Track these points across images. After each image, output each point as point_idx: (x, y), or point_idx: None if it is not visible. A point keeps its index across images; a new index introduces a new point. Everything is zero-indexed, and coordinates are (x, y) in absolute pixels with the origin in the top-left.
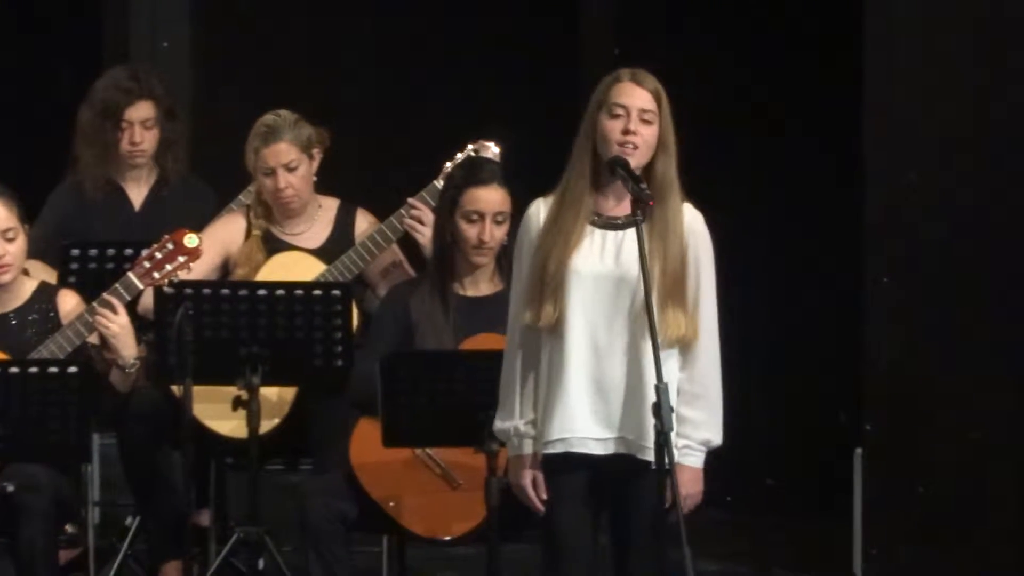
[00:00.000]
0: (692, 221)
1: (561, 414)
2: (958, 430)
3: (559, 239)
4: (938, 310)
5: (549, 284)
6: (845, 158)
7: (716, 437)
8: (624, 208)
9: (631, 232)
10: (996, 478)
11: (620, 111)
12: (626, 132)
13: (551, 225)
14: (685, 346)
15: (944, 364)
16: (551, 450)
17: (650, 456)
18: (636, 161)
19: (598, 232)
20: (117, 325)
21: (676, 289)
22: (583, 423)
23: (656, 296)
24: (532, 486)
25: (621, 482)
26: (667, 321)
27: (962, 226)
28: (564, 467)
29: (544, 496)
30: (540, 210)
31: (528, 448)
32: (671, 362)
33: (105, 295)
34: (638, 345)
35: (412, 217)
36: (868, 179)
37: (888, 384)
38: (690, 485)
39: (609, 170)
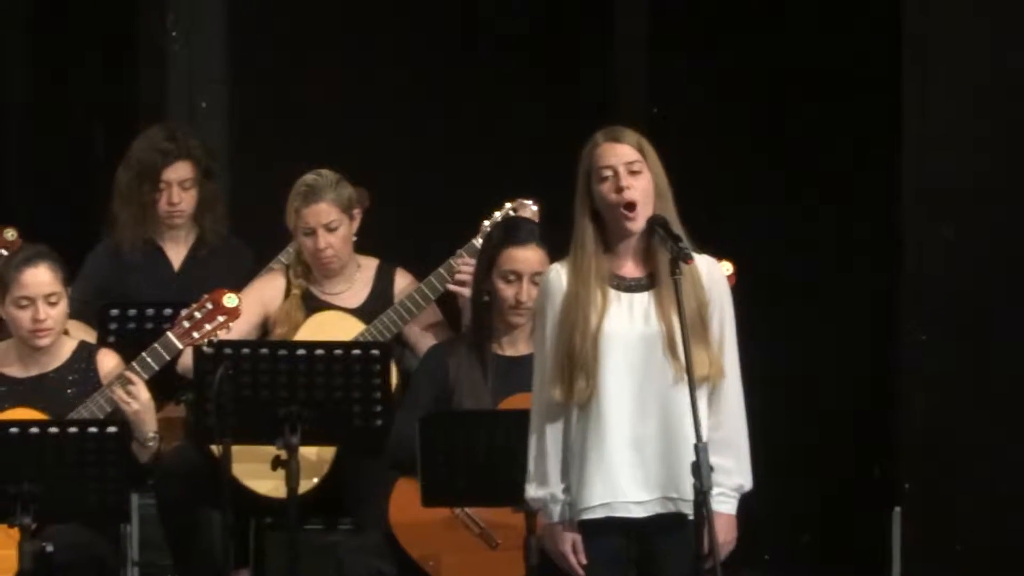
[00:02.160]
0: (711, 269)
1: (603, 480)
2: (996, 488)
3: (580, 314)
4: (974, 368)
5: (578, 360)
6: (886, 205)
7: (748, 482)
8: (639, 268)
9: (654, 292)
10: None
11: (608, 172)
12: (619, 190)
13: (572, 300)
14: (711, 391)
15: (980, 422)
16: (592, 515)
17: (690, 509)
18: (644, 214)
19: (624, 296)
20: (138, 403)
21: (698, 330)
22: (625, 487)
23: (681, 340)
24: (573, 551)
25: (654, 536)
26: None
27: (998, 282)
28: (600, 531)
29: (584, 561)
30: (561, 276)
31: (566, 514)
32: (700, 403)
33: (127, 371)
34: (671, 400)
35: (462, 271)
36: (904, 235)
37: (925, 442)
38: (726, 532)
39: (648, 232)
